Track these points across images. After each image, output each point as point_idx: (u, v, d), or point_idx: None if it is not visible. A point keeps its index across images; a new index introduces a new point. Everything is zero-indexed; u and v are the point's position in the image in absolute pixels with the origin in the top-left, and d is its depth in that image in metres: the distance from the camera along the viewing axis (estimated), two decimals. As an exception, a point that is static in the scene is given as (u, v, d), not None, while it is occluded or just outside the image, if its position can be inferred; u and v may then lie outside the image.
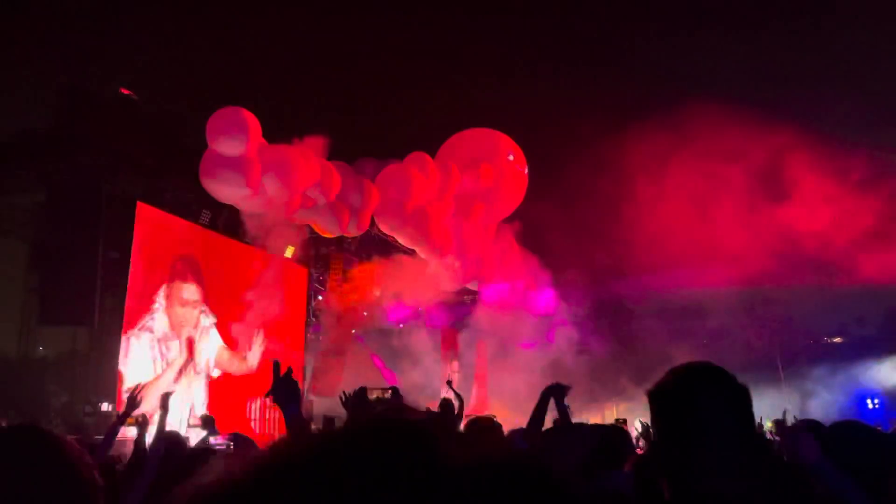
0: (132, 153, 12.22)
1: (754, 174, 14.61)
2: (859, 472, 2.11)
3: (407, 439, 0.56)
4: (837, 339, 23.59)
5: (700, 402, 1.42)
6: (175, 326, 12.77)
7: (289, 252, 14.41)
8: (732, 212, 15.23)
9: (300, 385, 2.63)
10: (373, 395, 3.39)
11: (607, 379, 16.42)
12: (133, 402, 4.59)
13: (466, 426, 4.49)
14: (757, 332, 19.85)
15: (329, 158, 11.53)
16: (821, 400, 19.20)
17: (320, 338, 16.98)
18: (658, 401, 1.50)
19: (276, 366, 2.61)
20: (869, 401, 21.15)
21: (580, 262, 15.67)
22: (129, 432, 6.13)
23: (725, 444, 1.38)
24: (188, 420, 12.15)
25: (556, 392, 3.60)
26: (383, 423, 0.59)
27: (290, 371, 2.62)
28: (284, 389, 2.56)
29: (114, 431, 4.40)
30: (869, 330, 22.26)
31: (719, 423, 1.39)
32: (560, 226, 15.25)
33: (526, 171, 14.92)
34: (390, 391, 3.45)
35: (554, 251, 15.69)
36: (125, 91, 12.17)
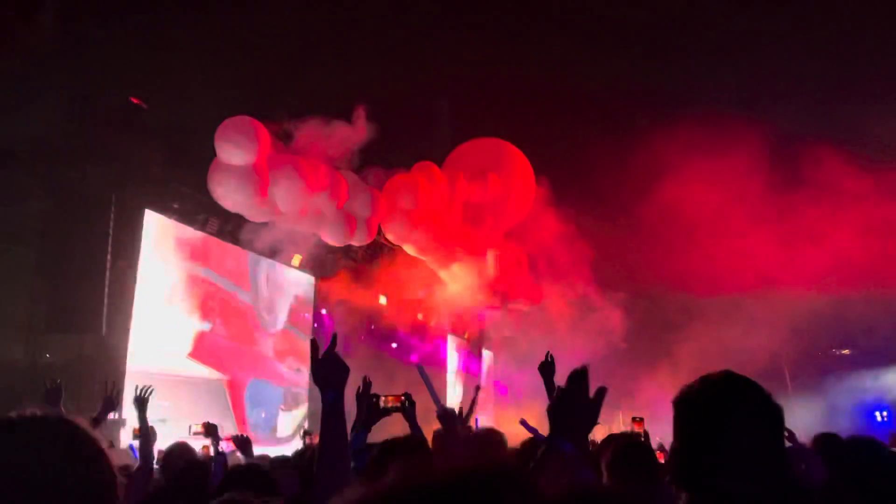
0: (141, 161, 12.30)
1: (762, 182, 14.58)
2: (873, 491, 2.09)
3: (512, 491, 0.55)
4: (846, 351, 23.44)
5: (730, 420, 1.38)
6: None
7: (295, 261, 14.48)
8: (740, 220, 15.22)
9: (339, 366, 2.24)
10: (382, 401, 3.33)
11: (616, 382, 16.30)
12: (111, 403, 4.63)
13: (472, 437, 4.47)
14: (764, 342, 19.76)
15: (336, 167, 11.57)
16: (829, 412, 19.07)
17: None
18: (686, 409, 1.45)
19: (314, 343, 2.31)
20: (878, 413, 21.00)
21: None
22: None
23: (752, 457, 1.35)
24: (190, 427, 12.15)
25: (543, 370, 3.27)
26: (489, 476, 0.57)
27: (332, 347, 2.27)
28: (323, 370, 2.24)
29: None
30: (877, 341, 22.12)
31: (747, 446, 1.36)
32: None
33: (534, 181, 14.92)
34: (403, 398, 3.30)
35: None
36: (135, 100, 12.25)
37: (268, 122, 10.44)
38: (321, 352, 2.26)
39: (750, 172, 14.30)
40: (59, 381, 4.76)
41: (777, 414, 1.40)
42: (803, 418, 17.82)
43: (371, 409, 3.26)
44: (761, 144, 13.97)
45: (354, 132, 11.26)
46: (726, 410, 1.39)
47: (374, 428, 3.30)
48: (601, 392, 1.69)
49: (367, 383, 3.43)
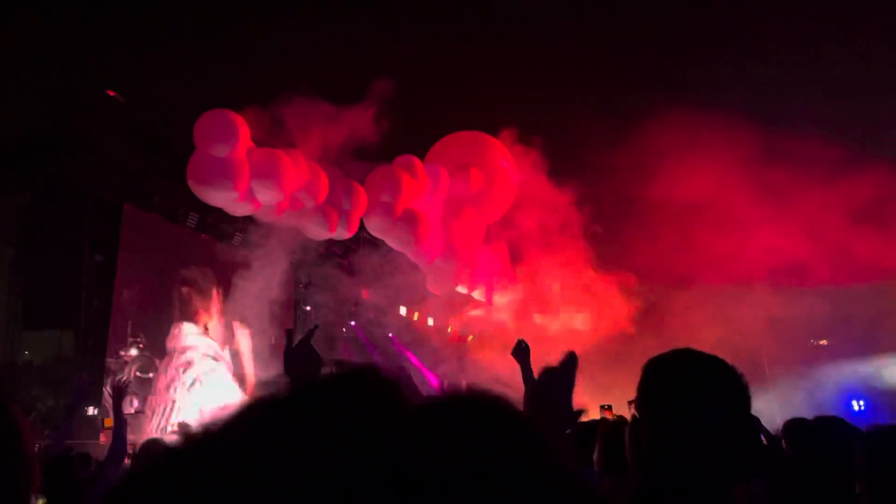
0: (119, 155, 12.15)
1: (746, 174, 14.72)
2: (840, 467, 2.15)
3: (357, 389, 0.49)
4: (823, 341, 23.75)
5: (699, 397, 1.40)
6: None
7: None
8: (721, 213, 15.34)
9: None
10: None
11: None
12: (83, 392, 4.59)
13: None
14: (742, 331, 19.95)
15: (318, 161, 11.51)
16: (807, 402, 19.33)
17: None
18: (650, 390, 1.46)
19: (289, 334, 2.28)
20: (855, 402, 21.32)
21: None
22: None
23: (719, 444, 1.36)
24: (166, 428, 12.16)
25: (517, 354, 3.04)
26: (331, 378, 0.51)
27: (307, 337, 2.21)
28: (294, 360, 2.16)
29: (67, 421, 4.39)
30: (855, 331, 22.42)
31: (717, 422, 1.37)
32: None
33: (516, 175, 14.94)
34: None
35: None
36: (111, 93, 12.09)
37: (258, 109, 10.37)
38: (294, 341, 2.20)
39: (731, 163, 14.44)
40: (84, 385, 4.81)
41: (745, 391, 1.43)
42: (782, 409, 18.03)
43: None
44: (748, 134, 14.10)
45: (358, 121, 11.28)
46: (697, 384, 1.40)
47: None
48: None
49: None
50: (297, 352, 2.17)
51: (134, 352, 12.57)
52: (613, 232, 15.72)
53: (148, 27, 12.63)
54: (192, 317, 13.69)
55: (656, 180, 14.58)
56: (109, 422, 4.64)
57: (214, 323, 14.18)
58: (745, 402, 1.43)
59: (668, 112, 13.94)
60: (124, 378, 4.68)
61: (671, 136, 14.03)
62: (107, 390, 11.49)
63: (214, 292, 14.19)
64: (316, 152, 11.31)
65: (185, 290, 13.56)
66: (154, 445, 4.68)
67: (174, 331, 13.37)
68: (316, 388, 0.50)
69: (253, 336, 14.15)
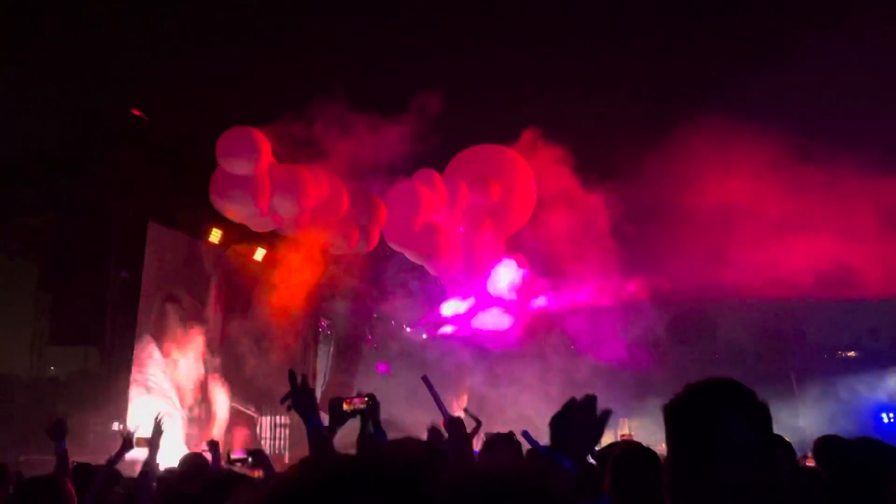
0: (143, 173, 12.32)
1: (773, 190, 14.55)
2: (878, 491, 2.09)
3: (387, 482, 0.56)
4: (851, 353, 23.34)
5: (720, 420, 1.39)
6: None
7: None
8: (750, 220, 15.15)
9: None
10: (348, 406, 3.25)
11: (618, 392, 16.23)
12: (128, 445, 4.63)
13: (485, 444, 4.44)
14: (770, 345, 19.68)
15: (339, 175, 11.59)
16: (835, 415, 18.98)
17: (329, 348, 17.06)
18: (675, 416, 1.46)
19: (292, 374, 2.64)
20: (884, 415, 20.90)
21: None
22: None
23: (743, 462, 1.35)
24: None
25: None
26: (366, 466, 0.59)
27: (305, 380, 2.65)
28: (304, 398, 2.57)
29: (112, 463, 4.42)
30: (883, 343, 22.01)
31: (739, 442, 1.37)
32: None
33: (535, 187, 14.90)
34: (366, 398, 3.22)
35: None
36: (136, 112, 12.29)
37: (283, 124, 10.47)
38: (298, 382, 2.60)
39: (762, 172, 14.28)
40: (63, 417, 4.75)
41: (764, 412, 1.41)
42: (809, 421, 17.74)
43: (334, 413, 3.19)
44: (779, 143, 13.92)
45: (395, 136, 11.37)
46: (710, 415, 1.41)
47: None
48: (607, 414, 1.69)
49: (330, 402, 3.41)
50: (303, 391, 2.58)
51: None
52: (645, 240, 15.57)
53: (173, 46, 12.85)
54: (160, 338, 12.76)
55: (690, 187, 14.44)
56: (143, 441, 4.62)
57: (188, 361, 13.21)
58: (766, 422, 1.41)
59: (705, 118, 13.79)
60: (160, 414, 4.73)
61: (706, 142, 13.91)
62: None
63: (198, 329, 13.47)
64: (344, 167, 11.39)
65: (168, 306, 12.96)
66: (197, 459, 4.75)
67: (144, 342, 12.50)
68: (340, 481, 0.57)
69: (266, 349, 13.99)
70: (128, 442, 4.66)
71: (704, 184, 14.34)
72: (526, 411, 13.55)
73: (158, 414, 4.56)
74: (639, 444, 3.22)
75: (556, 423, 1.66)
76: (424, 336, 17.52)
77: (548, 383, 14.76)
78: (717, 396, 1.45)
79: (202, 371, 13.44)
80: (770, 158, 13.94)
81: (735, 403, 1.43)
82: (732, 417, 1.40)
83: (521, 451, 3.99)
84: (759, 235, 15.16)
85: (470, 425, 6.08)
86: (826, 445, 3.16)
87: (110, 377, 11.83)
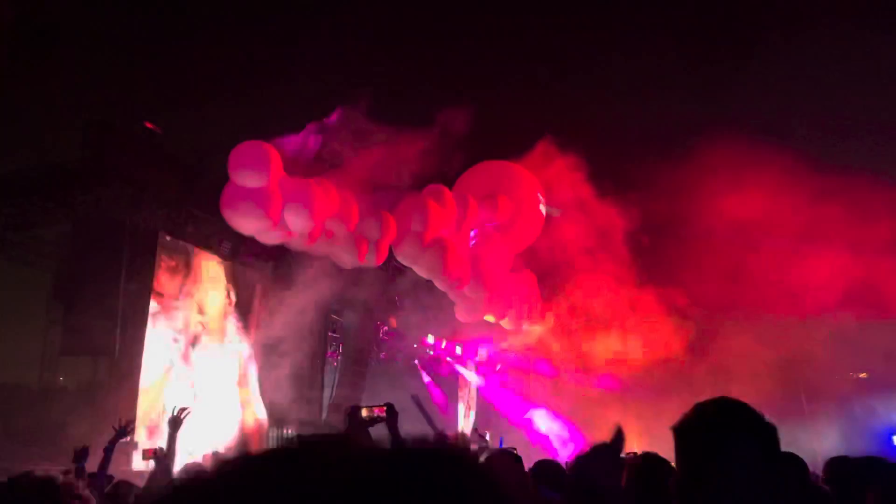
0: (155, 186, 12.43)
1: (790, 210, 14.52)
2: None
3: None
4: (863, 375, 23.08)
5: (727, 440, 1.40)
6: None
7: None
8: (762, 239, 15.10)
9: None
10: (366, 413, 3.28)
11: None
12: (122, 434, 5.00)
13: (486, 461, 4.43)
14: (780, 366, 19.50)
15: (349, 189, 11.64)
16: (846, 436, 18.76)
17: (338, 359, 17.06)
18: (684, 437, 1.47)
19: (353, 410, 2.79)
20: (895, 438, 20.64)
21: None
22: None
23: (748, 482, 1.36)
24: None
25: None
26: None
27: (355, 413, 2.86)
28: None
29: (108, 451, 4.79)
30: (895, 365, 21.75)
31: (744, 463, 1.37)
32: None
33: (544, 206, 14.91)
34: (385, 407, 3.27)
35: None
36: (150, 125, 12.42)
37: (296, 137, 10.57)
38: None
39: (777, 192, 14.25)
40: (87, 445, 5.36)
41: (771, 432, 1.42)
42: (820, 442, 17.52)
43: (353, 422, 3.23)
44: (792, 164, 13.89)
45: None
46: (719, 435, 1.41)
47: None
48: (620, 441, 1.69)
49: (348, 411, 3.48)
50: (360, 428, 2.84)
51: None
52: (664, 254, 15.52)
53: (188, 61, 13.00)
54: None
55: (710, 202, 14.40)
56: (150, 453, 4.80)
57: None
58: (772, 443, 1.42)
59: (726, 134, 13.76)
60: (185, 409, 4.81)
61: (727, 158, 13.89)
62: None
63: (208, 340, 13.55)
64: (355, 181, 11.47)
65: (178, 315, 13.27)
66: (197, 469, 4.77)
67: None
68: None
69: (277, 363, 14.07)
70: (120, 433, 5.06)
71: (720, 200, 14.33)
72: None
73: (176, 407, 4.77)
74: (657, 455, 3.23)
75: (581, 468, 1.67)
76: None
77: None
78: (724, 417, 1.46)
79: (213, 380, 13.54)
80: (788, 175, 13.92)
81: (742, 424, 1.43)
82: (739, 438, 1.41)
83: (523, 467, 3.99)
84: (775, 252, 15.11)
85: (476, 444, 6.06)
86: (833, 465, 3.18)
87: (119, 388, 11.86)
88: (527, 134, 15.04)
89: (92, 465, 5.12)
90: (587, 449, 1.64)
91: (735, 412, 1.47)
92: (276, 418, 14.57)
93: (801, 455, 3.26)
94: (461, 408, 21.37)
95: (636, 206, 14.77)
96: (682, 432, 1.48)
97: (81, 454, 5.23)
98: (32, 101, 11.33)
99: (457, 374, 21.10)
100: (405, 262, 13.58)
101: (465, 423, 20.96)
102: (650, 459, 2.96)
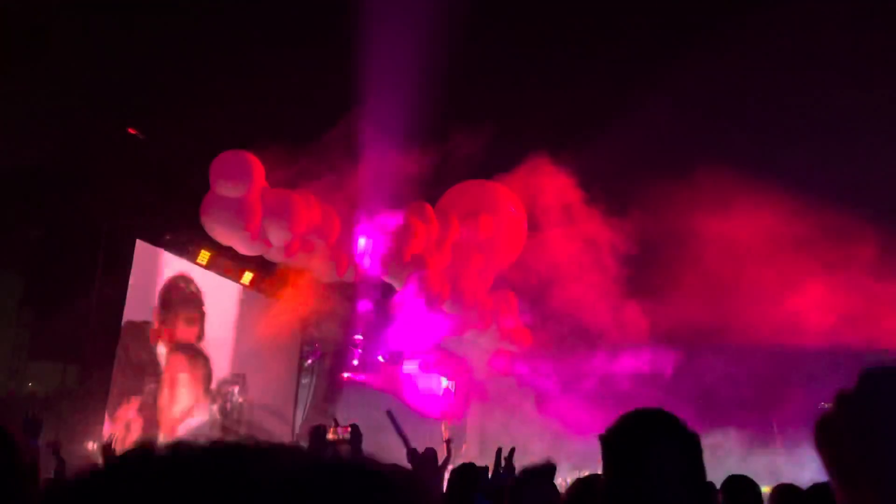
0: (134, 192, 12.31)
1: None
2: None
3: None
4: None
5: (651, 449, 1.44)
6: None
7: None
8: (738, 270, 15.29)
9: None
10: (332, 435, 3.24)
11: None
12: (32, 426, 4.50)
13: (451, 475, 4.44)
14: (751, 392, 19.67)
15: (331, 203, 11.63)
16: (818, 465, 18.91)
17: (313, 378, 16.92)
18: (609, 446, 1.51)
19: (318, 430, 2.70)
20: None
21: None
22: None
23: (675, 492, 1.40)
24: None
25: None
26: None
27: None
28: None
29: None
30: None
31: (670, 472, 1.42)
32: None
33: (526, 223, 15.00)
34: (350, 428, 3.28)
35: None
36: (132, 131, 12.33)
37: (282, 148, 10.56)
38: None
39: (764, 221, 14.48)
40: (39, 414, 4.68)
41: (694, 444, 1.48)
42: (792, 471, 17.61)
43: (318, 441, 3.17)
44: (775, 198, 14.09)
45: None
46: (642, 445, 1.46)
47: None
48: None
49: (312, 431, 3.43)
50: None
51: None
52: (645, 277, 15.60)
53: (173, 66, 12.93)
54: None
55: (691, 230, 14.56)
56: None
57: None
58: (696, 452, 1.47)
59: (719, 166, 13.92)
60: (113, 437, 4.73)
61: (719, 188, 14.09)
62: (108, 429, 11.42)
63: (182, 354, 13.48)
64: (337, 194, 11.48)
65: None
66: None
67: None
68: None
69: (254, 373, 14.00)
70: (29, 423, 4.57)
71: (706, 227, 14.52)
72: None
73: (111, 436, 4.58)
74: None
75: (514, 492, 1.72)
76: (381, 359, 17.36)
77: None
78: (648, 426, 1.49)
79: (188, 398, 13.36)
80: (774, 209, 14.15)
81: (665, 433, 1.46)
82: (663, 446, 1.43)
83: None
84: (760, 281, 15.31)
85: (442, 456, 6.03)
86: (778, 493, 3.29)
87: (88, 396, 11.66)
88: (515, 150, 15.04)
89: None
90: (520, 474, 1.70)
91: (658, 421, 1.50)
92: (247, 430, 14.38)
93: (766, 480, 3.33)
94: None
95: (618, 227, 14.90)
96: (608, 441, 1.50)
97: (34, 427, 4.56)
98: (11, 101, 11.18)
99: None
100: (385, 278, 13.58)
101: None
102: (586, 478, 3.01)
